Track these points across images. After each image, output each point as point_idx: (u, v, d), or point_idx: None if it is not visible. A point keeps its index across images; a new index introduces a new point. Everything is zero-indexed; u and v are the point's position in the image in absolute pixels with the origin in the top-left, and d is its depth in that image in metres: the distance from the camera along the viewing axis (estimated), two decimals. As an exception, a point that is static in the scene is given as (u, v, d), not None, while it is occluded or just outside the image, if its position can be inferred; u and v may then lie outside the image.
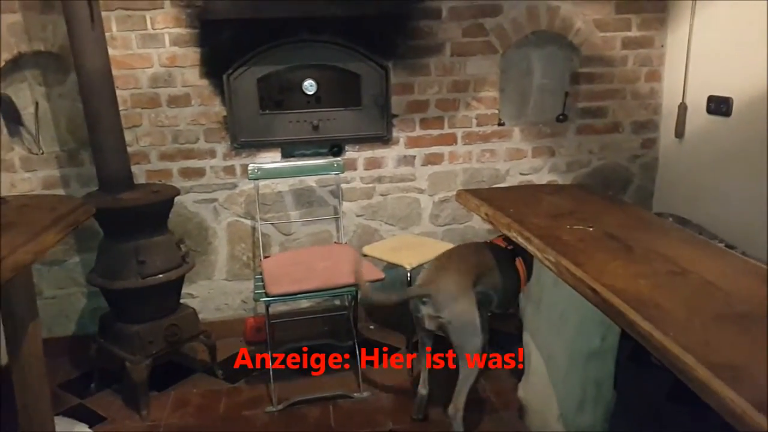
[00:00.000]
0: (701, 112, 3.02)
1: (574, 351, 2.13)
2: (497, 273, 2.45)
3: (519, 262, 2.51)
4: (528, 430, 2.42)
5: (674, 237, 1.95)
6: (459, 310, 2.24)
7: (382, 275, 2.65)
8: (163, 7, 2.86)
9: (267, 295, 2.55)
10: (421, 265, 2.86)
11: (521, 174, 3.37)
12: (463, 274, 2.32)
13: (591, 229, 1.95)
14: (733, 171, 2.85)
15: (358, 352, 2.83)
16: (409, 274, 2.80)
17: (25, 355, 2.02)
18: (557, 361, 2.20)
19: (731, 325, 1.32)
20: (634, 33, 3.25)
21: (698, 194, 3.09)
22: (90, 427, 2.53)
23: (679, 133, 3.20)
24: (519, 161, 3.35)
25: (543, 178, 3.39)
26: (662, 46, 3.29)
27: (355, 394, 2.73)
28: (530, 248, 1.90)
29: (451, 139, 3.26)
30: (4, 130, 2.91)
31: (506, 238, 2.48)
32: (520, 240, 1.99)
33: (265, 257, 2.99)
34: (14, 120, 2.90)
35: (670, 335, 1.26)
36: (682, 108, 3.16)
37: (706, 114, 2.99)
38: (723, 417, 1.09)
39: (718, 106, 2.90)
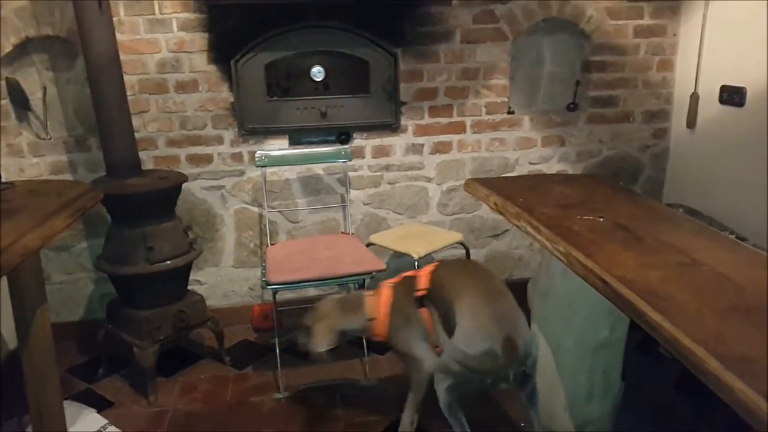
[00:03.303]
0: (714, 102, 2.99)
1: (582, 342, 2.12)
2: None
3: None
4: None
5: (685, 228, 1.92)
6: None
7: (383, 266, 2.64)
8: (171, -8, 2.85)
9: (267, 283, 2.56)
10: (428, 254, 2.86)
11: (530, 163, 3.35)
12: None
13: (601, 219, 1.93)
14: (746, 162, 2.82)
15: (365, 340, 2.83)
16: (416, 263, 2.79)
17: (33, 339, 2.03)
18: (565, 351, 2.19)
19: (742, 317, 1.30)
20: (646, 21, 3.21)
21: (710, 185, 3.06)
22: (98, 412, 2.55)
23: (691, 123, 3.16)
24: (528, 150, 3.32)
25: (553, 167, 3.36)
26: (675, 34, 3.25)
27: (361, 382, 2.73)
28: (540, 238, 1.89)
29: (460, 128, 3.24)
30: (13, 115, 2.91)
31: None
32: (529, 230, 1.97)
33: (272, 245, 2.99)
34: (22, 105, 2.90)
35: (680, 327, 1.25)
36: (694, 98, 3.12)
37: (718, 104, 2.96)
38: (733, 409, 1.08)
39: (731, 96, 2.86)
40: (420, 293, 2.18)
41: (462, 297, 2.03)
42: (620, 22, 3.19)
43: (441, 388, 2.02)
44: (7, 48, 2.77)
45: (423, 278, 2.21)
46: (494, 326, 1.93)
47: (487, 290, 2.10)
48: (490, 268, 2.28)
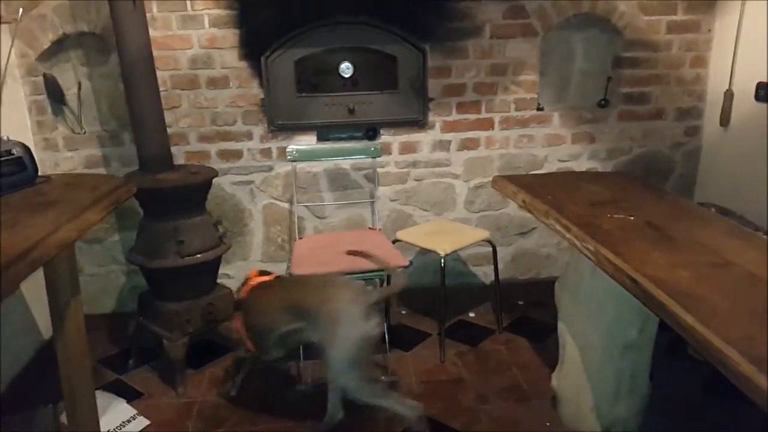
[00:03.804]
0: (749, 100, 2.92)
1: (610, 341, 2.10)
2: None
3: None
4: (561, 420, 2.41)
5: (717, 228, 1.89)
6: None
7: (406, 262, 2.64)
8: (202, -11, 2.88)
9: (291, 276, 2.58)
10: (455, 251, 2.86)
11: (560, 161, 3.32)
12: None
13: (632, 218, 1.91)
14: (781, 161, 2.76)
15: (387, 336, 2.84)
16: (442, 260, 2.79)
17: (67, 330, 2.08)
18: (593, 351, 2.18)
19: (776, 320, 1.28)
20: (680, 17, 3.15)
21: (743, 184, 3.00)
22: (128, 402, 2.60)
23: (725, 120, 3.10)
24: (557, 147, 3.29)
25: (582, 165, 3.33)
26: (709, 30, 3.18)
27: (383, 378, 2.74)
28: (568, 236, 1.88)
29: (488, 124, 3.22)
30: (49, 110, 2.97)
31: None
32: (557, 228, 1.96)
33: (299, 239, 3.02)
34: (58, 100, 2.96)
35: (712, 328, 1.23)
36: (729, 95, 3.06)
37: (754, 101, 2.89)
38: (766, 412, 1.06)
39: (768, 93, 2.80)
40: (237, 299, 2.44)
41: (313, 301, 2.18)
42: (653, 18, 3.14)
43: (354, 385, 2.13)
44: (45, 44, 2.84)
45: (245, 288, 2.46)
46: (357, 299, 2.12)
47: (321, 282, 2.28)
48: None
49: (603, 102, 3.27)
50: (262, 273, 2.55)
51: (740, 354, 1.14)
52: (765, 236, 2.13)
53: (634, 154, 3.35)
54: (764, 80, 2.82)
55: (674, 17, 3.15)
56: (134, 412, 2.54)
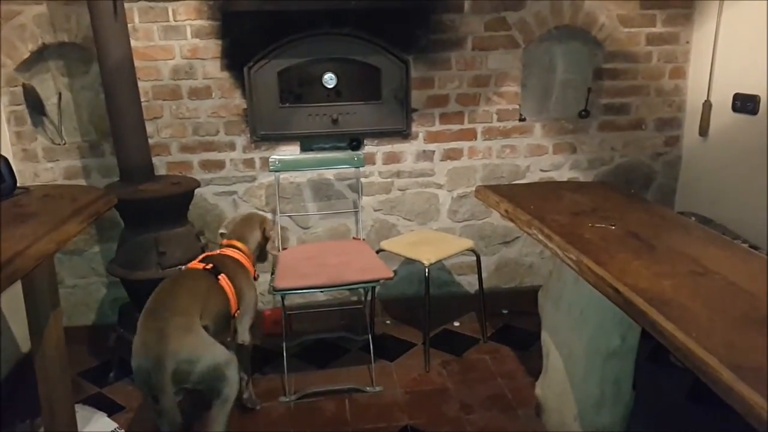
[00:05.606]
0: (726, 110, 2.97)
1: (593, 350, 2.11)
2: (213, 301, 2.20)
3: (223, 279, 2.27)
4: (545, 428, 2.41)
5: (697, 237, 1.92)
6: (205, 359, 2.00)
7: (390, 274, 2.64)
8: (185, -1, 2.88)
9: (275, 289, 2.57)
10: (439, 261, 2.86)
11: (542, 170, 3.34)
12: (189, 316, 2.05)
13: (613, 227, 1.93)
14: (759, 170, 2.79)
15: (372, 347, 2.83)
16: (427, 270, 2.79)
17: (46, 342, 2.05)
18: (576, 359, 2.18)
19: (755, 327, 1.29)
20: (659, 29, 3.20)
21: (722, 194, 3.04)
22: (109, 416, 2.56)
23: (704, 131, 3.15)
24: (540, 157, 3.32)
25: (564, 174, 3.35)
26: (687, 42, 3.23)
27: (367, 388, 2.73)
28: (551, 246, 1.89)
29: (470, 135, 3.24)
30: (29, 120, 2.94)
31: (203, 259, 2.34)
32: (540, 237, 1.97)
33: (283, 249, 3.00)
34: (38, 110, 2.93)
35: (692, 336, 1.24)
36: (707, 106, 3.10)
37: (731, 112, 2.94)
38: (746, 419, 1.07)
39: (745, 104, 2.84)
40: None
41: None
42: (633, 30, 3.18)
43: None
44: (25, 54, 2.81)
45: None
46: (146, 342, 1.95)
47: (156, 308, 2.10)
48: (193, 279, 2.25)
49: (584, 113, 3.31)
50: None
51: (720, 362, 1.15)
52: (744, 245, 2.16)
53: (614, 163, 3.39)
54: (741, 91, 2.87)
55: (653, 29, 3.19)
56: (115, 425, 2.50)
